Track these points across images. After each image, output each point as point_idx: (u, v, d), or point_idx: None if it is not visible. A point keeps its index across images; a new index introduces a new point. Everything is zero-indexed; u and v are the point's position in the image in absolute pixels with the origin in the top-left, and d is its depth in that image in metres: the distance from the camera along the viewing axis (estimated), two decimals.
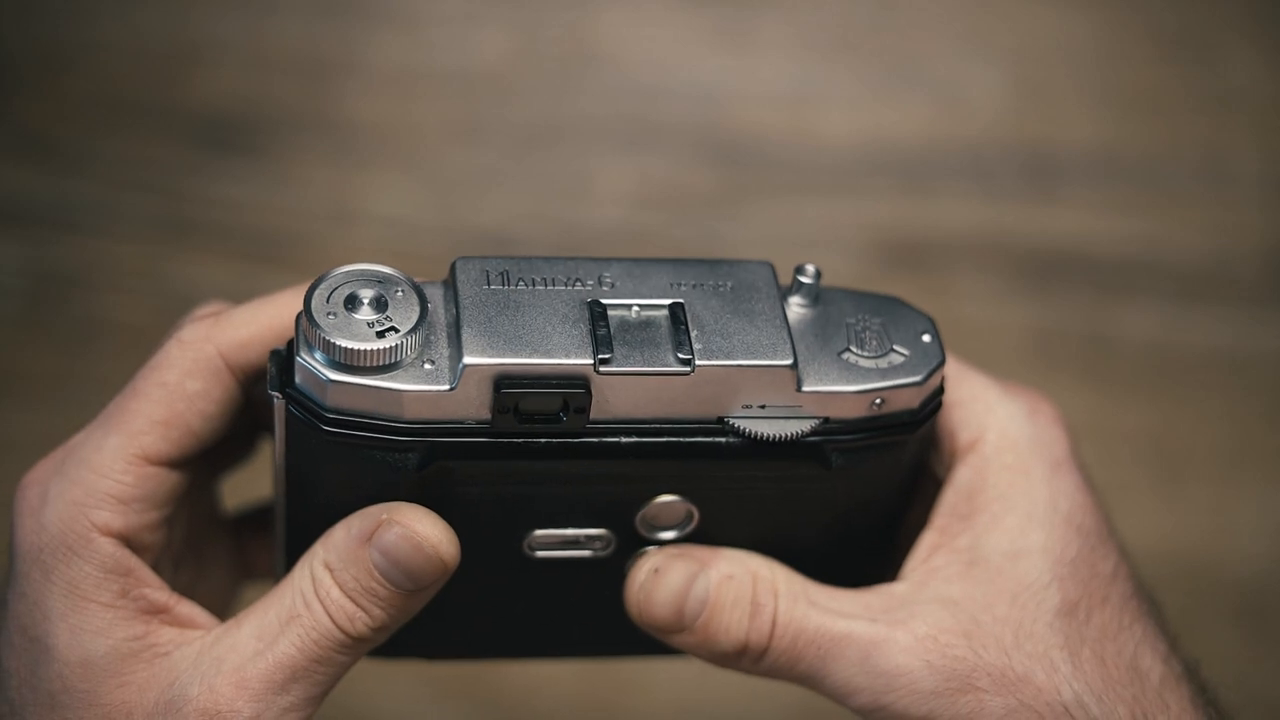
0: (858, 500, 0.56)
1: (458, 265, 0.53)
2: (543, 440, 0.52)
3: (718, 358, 0.52)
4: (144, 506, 0.55)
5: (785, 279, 0.56)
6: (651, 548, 0.56)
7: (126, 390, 0.56)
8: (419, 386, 0.51)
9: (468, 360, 0.51)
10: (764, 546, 0.56)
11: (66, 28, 1.09)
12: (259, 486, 0.64)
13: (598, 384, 0.51)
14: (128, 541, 0.54)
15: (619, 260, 0.54)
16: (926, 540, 0.56)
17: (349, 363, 0.51)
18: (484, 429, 0.52)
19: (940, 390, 0.55)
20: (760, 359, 0.52)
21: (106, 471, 0.54)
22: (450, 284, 0.53)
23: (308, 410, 0.52)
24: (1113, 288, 1.02)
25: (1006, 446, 0.56)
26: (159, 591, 0.54)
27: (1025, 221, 1.03)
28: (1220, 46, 1.05)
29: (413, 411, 0.51)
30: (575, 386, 0.51)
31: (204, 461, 0.59)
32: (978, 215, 1.04)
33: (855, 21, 1.07)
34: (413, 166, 1.06)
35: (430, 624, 0.57)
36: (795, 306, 0.55)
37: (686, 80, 1.06)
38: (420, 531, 0.52)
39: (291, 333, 0.53)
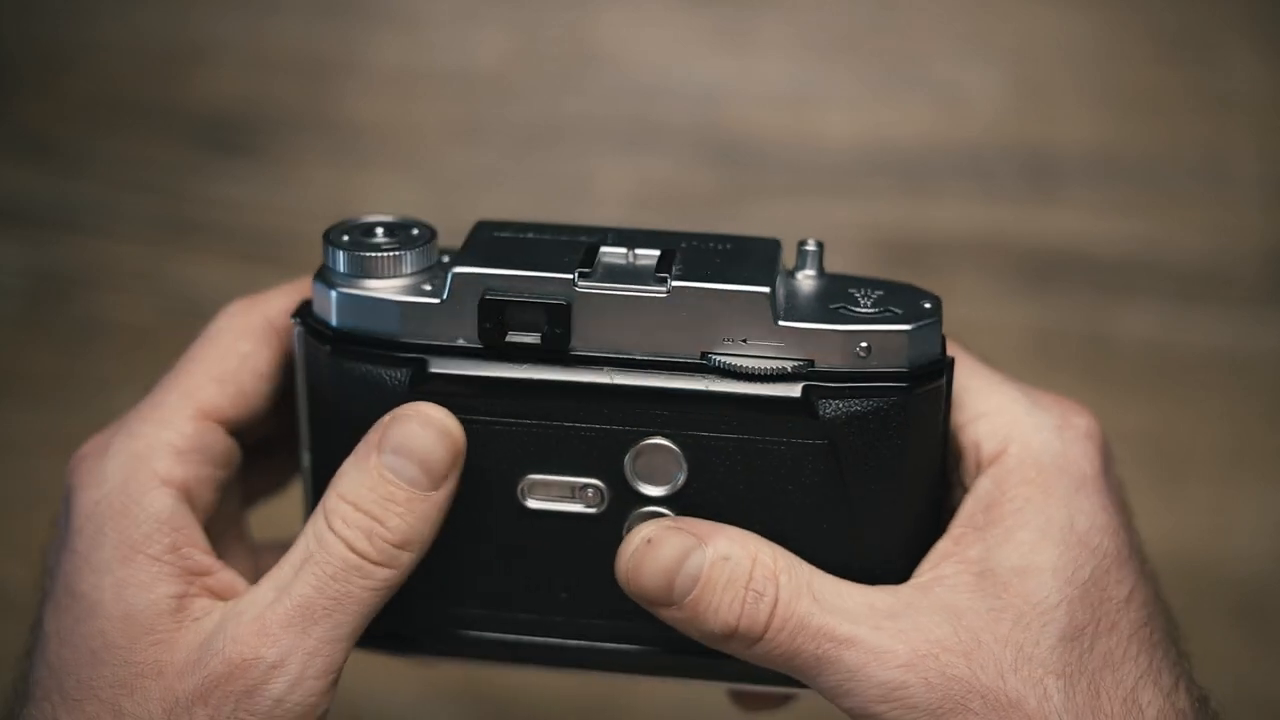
0: (854, 472, 0.55)
1: (477, 224, 0.58)
2: (527, 369, 0.54)
3: (695, 281, 0.54)
4: (202, 459, 0.56)
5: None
6: (648, 511, 0.56)
7: (178, 361, 0.59)
8: (413, 299, 0.54)
9: (457, 269, 0.54)
10: (763, 513, 0.55)
11: (66, 28, 1.09)
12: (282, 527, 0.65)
13: (579, 302, 0.53)
14: (186, 495, 0.55)
15: (630, 229, 0.57)
16: (940, 547, 0.56)
17: (353, 272, 0.55)
18: (473, 348, 0.55)
19: (940, 361, 0.55)
20: (737, 285, 0.53)
21: (167, 423, 0.56)
22: (468, 236, 0.57)
23: (317, 333, 0.56)
24: (1113, 288, 1.02)
25: (1029, 461, 0.55)
26: (205, 555, 0.55)
27: (1025, 221, 1.03)
28: (1220, 47, 1.05)
29: (407, 326, 0.55)
30: (556, 299, 0.53)
31: (241, 481, 0.61)
32: (978, 215, 1.04)
33: (855, 22, 1.07)
34: (413, 166, 1.06)
35: (428, 600, 0.58)
36: (803, 278, 0.56)
37: (686, 80, 1.06)
38: (424, 411, 0.54)
39: None
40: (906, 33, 1.07)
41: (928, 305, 0.55)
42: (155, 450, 0.56)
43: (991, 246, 1.03)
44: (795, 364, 0.54)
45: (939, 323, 0.55)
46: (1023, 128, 1.04)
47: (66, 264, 1.05)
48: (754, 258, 0.55)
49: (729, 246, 0.56)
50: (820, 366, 0.54)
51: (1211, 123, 1.04)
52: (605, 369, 0.55)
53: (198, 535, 0.55)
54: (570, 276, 0.53)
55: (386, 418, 0.54)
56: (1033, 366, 1.00)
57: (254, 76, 1.07)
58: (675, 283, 0.53)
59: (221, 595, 0.55)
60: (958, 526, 0.56)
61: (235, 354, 0.58)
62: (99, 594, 0.54)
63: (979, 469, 0.56)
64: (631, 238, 0.56)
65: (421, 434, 0.54)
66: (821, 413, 0.54)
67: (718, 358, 0.54)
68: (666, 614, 0.55)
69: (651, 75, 1.07)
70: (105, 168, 1.06)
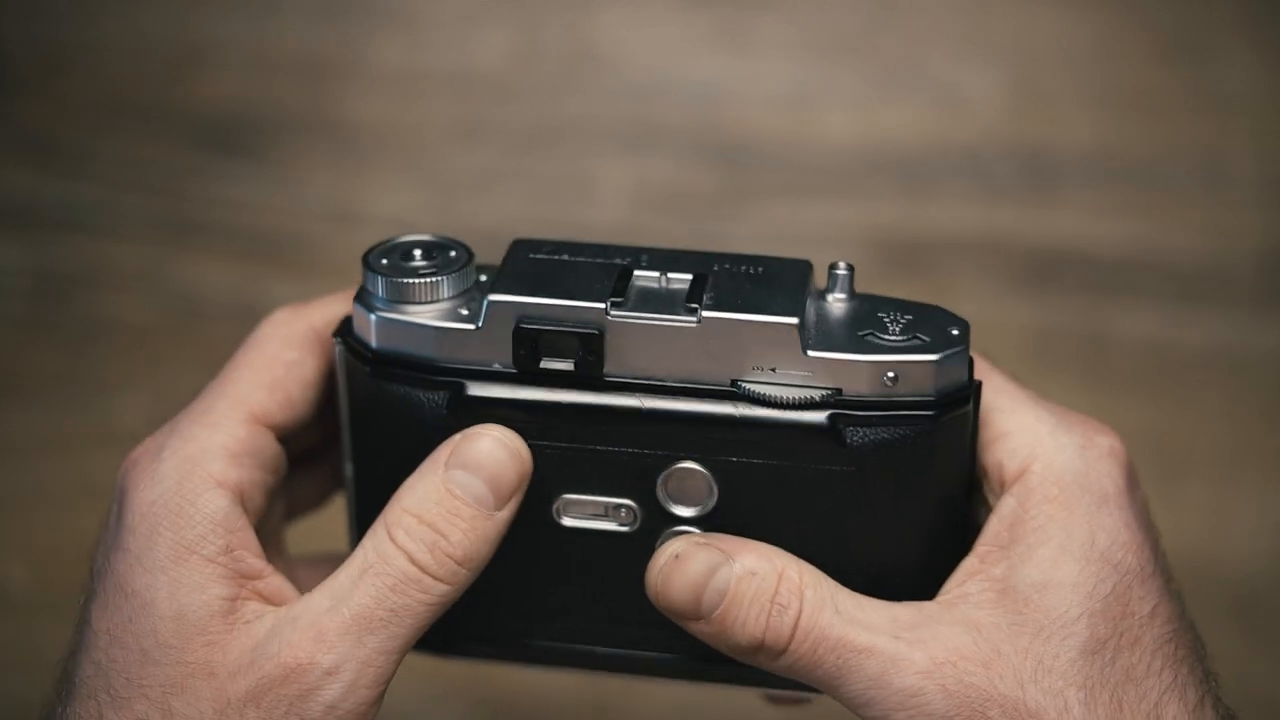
0: (882, 496, 0.56)
1: (514, 243, 0.58)
2: (563, 389, 0.55)
3: (725, 311, 0.54)
4: (254, 463, 0.57)
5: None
6: (679, 530, 0.57)
7: (225, 368, 0.59)
8: (450, 324, 0.55)
9: (492, 297, 0.55)
10: (791, 534, 0.56)
11: (68, 28, 1.09)
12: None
13: (611, 330, 0.54)
14: (240, 498, 0.56)
15: (663, 249, 0.57)
16: (966, 566, 0.56)
17: (392, 297, 0.56)
18: (508, 373, 0.55)
19: (967, 388, 0.55)
20: (766, 315, 0.54)
21: (219, 427, 0.57)
22: (505, 256, 0.58)
23: (357, 353, 0.57)
24: (1112, 288, 1.02)
25: (1052, 480, 0.55)
26: (256, 558, 0.56)
27: (1025, 221, 1.03)
28: (1218, 48, 1.05)
29: (444, 350, 0.55)
30: (589, 328, 0.54)
31: (285, 492, 0.61)
32: (978, 215, 1.04)
33: (855, 22, 1.07)
34: (413, 167, 1.06)
35: (465, 609, 0.59)
36: (832, 301, 0.56)
37: (686, 80, 1.06)
38: (496, 431, 0.55)
39: None
40: (906, 33, 1.07)
41: (955, 332, 0.55)
42: (209, 452, 0.56)
43: (991, 246, 1.03)
44: (823, 393, 0.54)
45: (966, 350, 0.55)
46: (1022, 128, 1.05)
47: (67, 264, 1.05)
48: (784, 283, 0.56)
49: (760, 270, 0.56)
50: (848, 394, 0.54)
51: (1211, 123, 1.04)
52: (637, 394, 0.55)
53: (250, 538, 0.56)
54: (603, 305, 0.54)
55: (458, 436, 0.55)
56: (1033, 366, 1.00)
57: (255, 77, 1.07)
58: (706, 313, 0.54)
59: (271, 600, 0.55)
60: (983, 545, 0.56)
61: (282, 361, 0.59)
62: (152, 593, 0.54)
63: (1003, 487, 0.56)
64: (665, 260, 0.57)
65: (493, 452, 0.55)
66: (849, 440, 0.54)
67: (747, 385, 0.54)
68: (694, 627, 0.55)
69: (651, 75, 1.07)
70: (106, 168, 1.06)
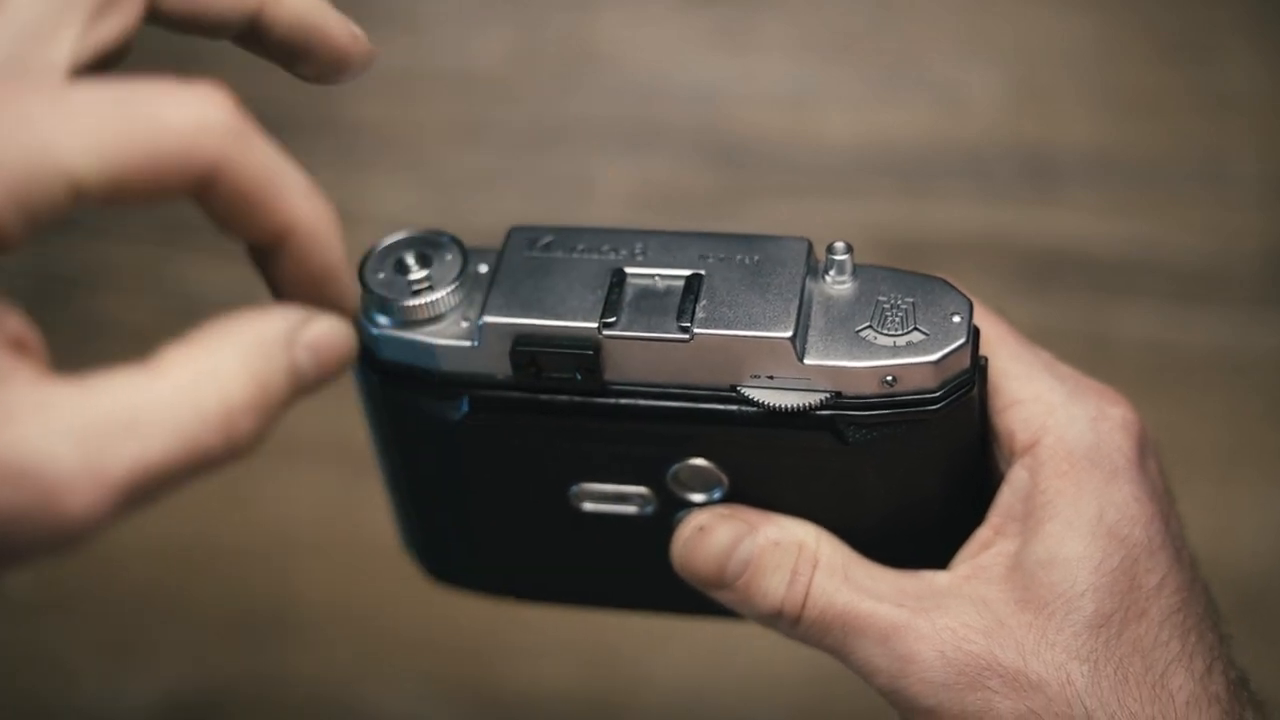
0: (889, 481, 0.56)
1: (511, 232, 0.57)
2: (565, 397, 0.55)
3: (717, 327, 0.54)
4: None
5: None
6: (701, 505, 0.58)
7: None
8: (449, 341, 0.55)
9: (486, 319, 0.54)
10: (804, 515, 0.57)
11: None
12: None
13: (607, 347, 0.54)
14: None
15: (660, 233, 0.57)
16: (980, 536, 0.56)
17: (390, 316, 0.55)
18: (512, 383, 0.55)
19: (969, 373, 0.55)
20: (759, 330, 0.53)
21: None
22: (501, 250, 0.57)
23: (365, 362, 0.57)
24: (1112, 288, 1.02)
25: (1062, 453, 0.56)
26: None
27: (1025, 221, 1.03)
28: (1220, 48, 1.05)
29: (447, 364, 0.55)
30: (583, 348, 0.54)
31: None
32: (978, 215, 1.04)
33: (855, 22, 1.07)
34: (413, 167, 1.06)
35: (492, 567, 0.61)
36: (831, 284, 0.56)
37: (686, 80, 1.06)
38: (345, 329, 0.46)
39: None
40: (906, 33, 1.07)
41: (957, 319, 0.54)
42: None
43: (991, 246, 1.03)
44: (823, 396, 0.54)
45: (968, 340, 0.54)
46: (1023, 128, 1.05)
47: (67, 264, 1.05)
48: (780, 275, 0.55)
49: (756, 258, 0.56)
50: (848, 395, 0.54)
51: (1211, 123, 1.04)
52: (639, 401, 0.56)
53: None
54: (594, 325, 0.54)
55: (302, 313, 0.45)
56: None
57: (255, 77, 1.07)
58: (699, 329, 0.54)
59: None
60: (996, 515, 0.56)
61: None
62: None
63: (1013, 456, 0.57)
64: (659, 253, 0.56)
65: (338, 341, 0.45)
66: (850, 439, 0.54)
67: (746, 390, 0.54)
68: (719, 595, 0.57)
69: (652, 75, 1.07)
70: None
